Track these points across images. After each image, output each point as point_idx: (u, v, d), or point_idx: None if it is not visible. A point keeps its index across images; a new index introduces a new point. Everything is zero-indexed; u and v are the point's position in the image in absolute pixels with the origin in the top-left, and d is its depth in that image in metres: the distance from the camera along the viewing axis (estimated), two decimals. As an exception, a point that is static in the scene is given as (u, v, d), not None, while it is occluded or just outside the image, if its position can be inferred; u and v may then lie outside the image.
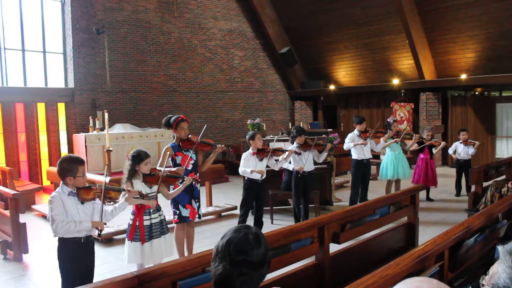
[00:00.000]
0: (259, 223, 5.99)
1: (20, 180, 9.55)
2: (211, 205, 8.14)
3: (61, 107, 11.39)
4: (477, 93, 14.01)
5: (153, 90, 13.39)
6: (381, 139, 7.71)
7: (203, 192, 7.82)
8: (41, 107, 11.04)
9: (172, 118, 5.15)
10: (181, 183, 4.65)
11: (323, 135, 8.68)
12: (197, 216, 5.14)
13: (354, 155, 7.40)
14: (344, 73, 15.40)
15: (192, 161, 5.11)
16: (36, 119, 10.88)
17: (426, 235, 5.47)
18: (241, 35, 15.39)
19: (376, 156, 9.25)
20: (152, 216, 4.32)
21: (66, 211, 3.39)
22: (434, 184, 8.57)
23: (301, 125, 11.68)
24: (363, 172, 7.40)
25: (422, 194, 8.15)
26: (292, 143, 6.61)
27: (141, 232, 4.24)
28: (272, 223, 7.15)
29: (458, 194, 9.11)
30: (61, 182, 3.47)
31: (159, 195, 4.57)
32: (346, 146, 7.46)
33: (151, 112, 13.23)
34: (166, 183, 4.52)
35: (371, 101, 15.22)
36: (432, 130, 8.98)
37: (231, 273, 1.67)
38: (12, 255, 5.67)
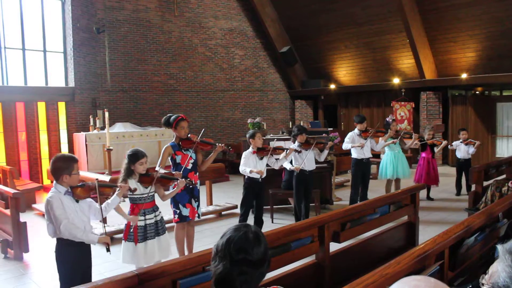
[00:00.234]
0: (259, 222, 6.01)
1: (20, 179, 9.56)
2: (211, 204, 8.14)
3: (61, 106, 11.39)
4: (477, 92, 14.00)
5: (153, 89, 13.39)
6: (380, 139, 7.70)
7: (203, 191, 7.83)
8: (41, 106, 11.04)
9: (172, 117, 5.14)
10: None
11: (324, 134, 8.68)
12: (196, 215, 5.13)
13: (354, 154, 7.41)
14: (345, 72, 15.40)
15: (192, 160, 5.10)
16: (37, 118, 10.89)
17: (426, 234, 5.47)
18: (241, 34, 15.38)
19: (377, 155, 9.25)
20: (147, 217, 4.29)
21: (65, 210, 3.39)
22: (436, 183, 8.58)
23: (302, 124, 11.67)
24: (363, 171, 7.40)
25: (423, 193, 8.14)
26: (294, 142, 6.60)
27: (134, 233, 4.22)
28: (272, 222, 7.15)
29: (458, 193, 9.11)
30: (54, 182, 3.45)
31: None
32: (344, 146, 7.48)
33: (151, 111, 13.24)
34: (160, 184, 4.48)
35: (371, 101, 15.21)
36: (433, 129, 8.98)
37: (231, 272, 1.67)
38: (12, 254, 5.68)
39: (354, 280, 2.53)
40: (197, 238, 5.73)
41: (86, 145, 10.23)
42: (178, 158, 5.04)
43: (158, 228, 4.37)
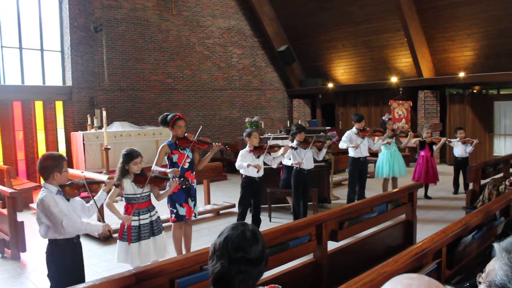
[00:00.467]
0: (257, 221, 6.01)
1: (17, 179, 9.53)
2: (209, 203, 8.14)
3: (59, 105, 11.36)
4: (475, 91, 14.02)
5: (151, 88, 13.37)
6: (376, 138, 7.70)
7: (201, 190, 7.83)
8: (38, 106, 11.02)
9: (169, 116, 5.12)
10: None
11: (321, 133, 8.69)
12: (193, 214, 5.11)
13: (351, 153, 7.42)
14: (343, 71, 15.40)
15: (189, 160, 5.09)
16: (34, 117, 10.86)
17: (424, 233, 5.47)
18: (239, 33, 15.37)
19: (374, 154, 9.26)
20: (141, 217, 4.27)
21: (61, 208, 3.36)
22: (435, 182, 8.59)
23: (300, 123, 11.67)
24: (360, 170, 7.42)
25: (420, 192, 8.15)
26: (292, 141, 6.60)
27: (128, 232, 4.21)
28: (270, 221, 7.15)
29: (456, 191, 9.13)
30: (44, 182, 3.42)
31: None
32: (341, 145, 7.51)
33: (149, 110, 13.22)
34: (154, 184, 4.46)
35: (369, 99, 15.23)
36: (431, 128, 9.00)
37: (229, 271, 1.67)
38: (9, 253, 5.66)
39: (352, 278, 2.53)
40: (195, 237, 5.72)
41: (83, 144, 10.21)
42: (175, 157, 5.03)
43: (154, 228, 4.34)
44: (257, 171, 5.84)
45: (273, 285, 1.85)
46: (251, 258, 1.69)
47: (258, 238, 1.74)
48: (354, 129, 7.48)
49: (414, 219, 5.47)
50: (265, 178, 6.26)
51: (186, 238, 5.24)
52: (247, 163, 5.78)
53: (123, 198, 4.38)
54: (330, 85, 15.25)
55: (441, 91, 13.39)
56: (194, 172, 5.18)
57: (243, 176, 5.97)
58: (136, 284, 2.51)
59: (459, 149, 8.91)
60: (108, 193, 3.86)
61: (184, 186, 4.79)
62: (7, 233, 5.69)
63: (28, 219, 6.96)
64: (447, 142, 9.00)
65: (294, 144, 6.47)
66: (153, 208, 4.43)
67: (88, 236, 6.50)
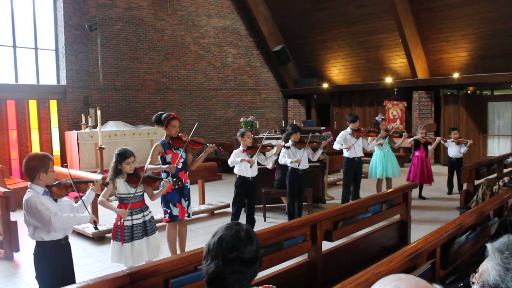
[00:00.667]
0: (251, 220, 6.01)
1: (11, 178, 9.47)
2: (203, 203, 8.12)
3: (53, 104, 11.31)
4: (469, 92, 14.10)
5: (146, 88, 13.34)
6: (370, 138, 7.72)
7: (196, 190, 7.82)
8: (32, 104, 10.95)
9: (163, 115, 5.10)
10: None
11: (316, 133, 8.69)
12: (186, 215, 5.09)
13: (346, 153, 7.43)
14: (338, 72, 15.43)
15: (182, 160, 5.08)
16: (28, 116, 10.79)
17: (418, 233, 5.49)
18: (234, 33, 15.36)
19: (369, 154, 9.29)
20: (134, 217, 4.25)
21: (47, 206, 3.31)
22: (430, 182, 8.61)
23: (295, 123, 11.68)
24: (355, 170, 7.44)
25: (415, 192, 8.18)
26: (286, 141, 6.60)
27: (121, 232, 4.19)
28: (265, 221, 7.15)
29: (450, 192, 9.17)
30: (30, 183, 3.36)
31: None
32: (335, 145, 7.52)
33: (144, 110, 13.18)
34: (147, 184, 4.44)
35: (364, 100, 15.27)
36: (425, 128, 9.03)
37: (224, 271, 1.67)
38: (3, 253, 5.63)
39: (347, 278, 2.53)
40: (189, 237, 5.71)
41: (78, 143, 10.17)
42: (168, 157, 5.01)
43: (147, 228, 4.32)
44: (250, 166, 5.83)
45: (267, 285, 1.85)
46: (245, 258, 1.69)
47: (252, 238, 1.74)
48: (348, 129, 7.49)
49: (408, 219, 5.49)
50: (260, 178, 6.26)
51: (180, 238, 5.23)
52: (240, 158, 5.81)
53: (117, 198, 4.36)
54: (325, 85, 15.27)
55: (435, 91, 13.44)
56: (187, 172, 5.17)
57: (237, 176, 5.98)
58: (130, 284, 2.50)
59: (453, 150, 8.94)
60: (96, 192, 3.82)
61: (177, 186, 4.78)
62: (0, 232, 5.65)
63: (22, 219, 6.93)
64: (442, 141, 9.03)
65: (289, 143, 6.48)
66: (147, 208, 4.41)
67: (82, 236, 6.48)
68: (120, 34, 12.74)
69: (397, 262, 2.81)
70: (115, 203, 4.45)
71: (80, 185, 3.64)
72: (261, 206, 7.28)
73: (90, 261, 5.51)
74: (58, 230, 3.33)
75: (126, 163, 4.24)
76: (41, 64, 11.25)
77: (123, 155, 4.25)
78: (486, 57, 11.83)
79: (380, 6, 12.39)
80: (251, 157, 5.92)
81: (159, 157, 5.04)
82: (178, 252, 5.17)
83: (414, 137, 8.65)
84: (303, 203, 6.93)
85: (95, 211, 6.94)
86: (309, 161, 6.83)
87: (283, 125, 13.87)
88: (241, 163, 5.85)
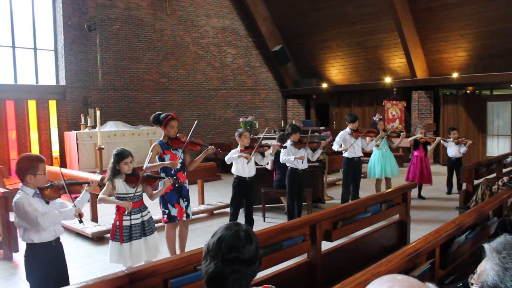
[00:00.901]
0: (249, 221, 6.01)
1: (10, 178, 9.47)
2: (203, 203, 8.12)
3: (52, 104, 11.31)
4: (468, 91, 14.10)
5: (145, 88, 13.34)
6: (367, 138, 7.71)
7: (195, 190, 7.82)
8: (32, 105, 10.95)
9: (162, 116, 5.07)
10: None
11: (316, 133, 8.69)
12: (185, 215, 5.07)
13: (345, 153, 7.43)
14: (337, 71, 15.43)
15: (180, 160, 5.07)
16: (27, 116, 10.79)
17: (417, 233, 5.49)
18: (233, 33, 15.36)
19: (368, 154, 9.29)
20: (133, 216, 4.23)
21: (35, 207, 3.24)
22: (429, 182, 8.60)
23: (294, 123, 11.68)
24: (354, 170, 7.44)
25: (414, 192, 8.19)
26: (281, 141, 6.61)
27: (120, 232, 4.18)
28: (264, 221, 7.14)
29: (449, 192, 9.16)
30: (21, 184, 3.31)
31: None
32: (334, 146, 7.53)
33: (143, 110, 13.17)
34: (147, 183, 4.43)
35: (363, 100, 15.27)
36: (425, 128, 9.03)
37: (223, 271, 1.66)
38: (2, 254, 5.62)
39: (346, 278, 2.53)
40: (189, 237, 5.69)
41: (77, 144, 10.16)
42: (167, 158, 4.99)
43: (145, 229, 4.31)
44: (247, 162, 5.82)
45: (267, 285, 1.85)
46: (244, 258, 1.69)
47: (251, 238, 1.74)
48: (347, 129, 7.49)
49: (408, 219, 5.49)
50: (259, 178, 6.26)
51: (181, 238, 5.22)
52: (237, 154, 5.82)
53: (115, 198, 4.35)
54: (325, 85, 15.27)
55: (434, 91, 13.45)
56: (186, 173, 5.16)
57: (235, 176, 5.99)
58: (130, 284, 2.49)
59: (453, 150, 8.94)
60: (95, 192, 3.79)
61: (177, 185, 4.77)
62: (0, 233, 5.65)
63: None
64: (441, 141, 9.03)
65: (288, 143, 6.49)
66: (145, 208, 4.40)
67: (82, 236, 6.47)
68: (119, 34, 12.74)
69: (396, 262, 2.80)
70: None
71: (73, 187, 3.58)
72: (261, 206, 7.28)
73: (89, 262, 5.51)
74: (46, 229, 3.26)
75: (124, 163, 4.23)
76: (40, 65, 11.25)
77: (121, 155, 4.24)
78: (485, 56, 11.83)
79: (379, 6, 12.39)
80: None
81: (157, 157, 5.03)
82: (178, 252, 5.16)
83: (414, 136, 8.64)
84: (303, 203, 6.93)
85: (94, 211, 6.95)
86: (309, 161, 6.83)
87: (283, 125, 13.87)
88: (239, 163, 5.85)
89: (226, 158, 5.94)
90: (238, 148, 5.99)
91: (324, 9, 13.70)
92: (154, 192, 4.54)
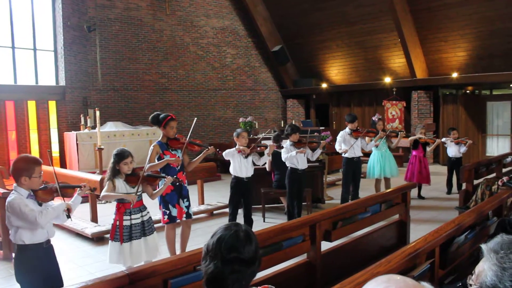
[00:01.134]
0: (248, 221, 5.99)
1: (10, 179, 9.45)
2: (203, 203, 8.12)
3: (52, 105, 11.31)
4: (468, 91, 14.10)
5: (145, 88, 13.34)
6: (367, 138, 7.72)
7: (195, 190, 7.82)
8: (31, 105, 10.95)
9: (161, 116, 5.07)
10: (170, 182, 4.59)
11: (315, 133, 8.70)
12: (184, 215, 5.07)
13: (345, 153, 7.43)
14: (336, 72, 15.43)
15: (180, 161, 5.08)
16: (27, 117, 10.79)
17: (417, 233, 5.49)
18: (233, 33, 15.36)
19: (368, 154, 9.30)
20: (133, 216, 4.24)
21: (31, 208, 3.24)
22: (428, 182, 8.60)
23: (294, 123, 11.69)
24: (354, 170, 7.44)
25: (414, 192, 8.19)
26: (276, 141, 6.61)
27: (120, 232, 4.18)
28: (264, 221, 7.14)
29: (449, 192, 9.16)
30: (15, 185, 3.29)
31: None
32: (336, 146, 7.54)
33: (142, 110, 13.17)
34: (147, 183, 4.43)
35: (363, 100, 15.27)
36: (424, 128, 9.03)
37: (223, 271, 1.67)
38: (1, 254, 5.62)
39: (346, 278, 2.53)
40: (189, 237, 5.71)
41: (77, 144, 10.16)
42: (166, 158, 5.00)
43: (145, 229, 4.31)
44: (245, 156, 5.81)
45: (266, 285, 1.85)
46: (244, 258, 1.69)
47: (251, 238, 1.74)
48: (347, 130, 7.50)
49: (407, 219, 5.49)
50: (258, 178, 6.25)
51: (183, 239, 5.22)
52: (235, 149, 5.82)
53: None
54: (324, 85, 15.27)
55: (434, 91, 13.46)
56: (185, 173, 5.17)
57: (232, 176, 5.98)
58: (129, 285, 2.49)
59: (453, 149, 8.94)
60: (83, 197, 3.76)
61: (177, 184, 4.79)
62: (-1, 233, 5.65)
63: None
64: (442, 140, 9.04)
65: (288, 143, 6.49)
66: (145, 208, 4.41)
67: (81, 236, 6.48)
68: (119, 35, 12.74)
69: (396, 262, 2.80)
70: (113, 204, 4.44)
71: (66, 190, 3.58)
72: (260, 206, 7.28)
73: (89, 262, 5.51)
74: (44, 226, 3.27)
75: (124, 163, 4.23)
76: (40, 65, 11.25)
77: (121, 156, 4.24)
78: (484, 56, 11.84)
79: (378, 6, 12.40)
80: (246, 157, 5.92)
81: (156, 158, 5.03)
82: (177, 252, 5.16)
83: (415, 136, 8.64)
84: (303, 203, 6.93)
85: (94, 211, 6.96)
86: (308, 161, 6.83)
87: (282, 125, 13.87)
88: (236, 162, 5.84)
89: (224, 154, 5.91)
90: (236, 148, 5.99)
91: (323, 9, 13.70)
92: (154, 191, 4.55)
